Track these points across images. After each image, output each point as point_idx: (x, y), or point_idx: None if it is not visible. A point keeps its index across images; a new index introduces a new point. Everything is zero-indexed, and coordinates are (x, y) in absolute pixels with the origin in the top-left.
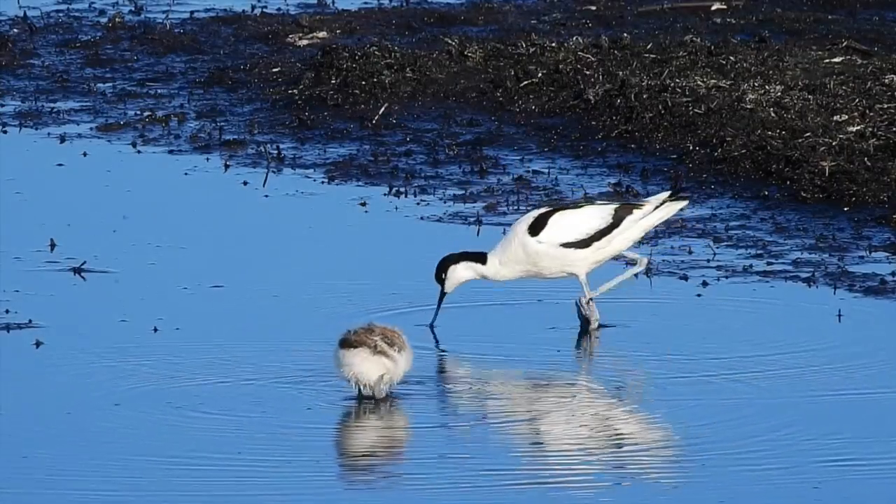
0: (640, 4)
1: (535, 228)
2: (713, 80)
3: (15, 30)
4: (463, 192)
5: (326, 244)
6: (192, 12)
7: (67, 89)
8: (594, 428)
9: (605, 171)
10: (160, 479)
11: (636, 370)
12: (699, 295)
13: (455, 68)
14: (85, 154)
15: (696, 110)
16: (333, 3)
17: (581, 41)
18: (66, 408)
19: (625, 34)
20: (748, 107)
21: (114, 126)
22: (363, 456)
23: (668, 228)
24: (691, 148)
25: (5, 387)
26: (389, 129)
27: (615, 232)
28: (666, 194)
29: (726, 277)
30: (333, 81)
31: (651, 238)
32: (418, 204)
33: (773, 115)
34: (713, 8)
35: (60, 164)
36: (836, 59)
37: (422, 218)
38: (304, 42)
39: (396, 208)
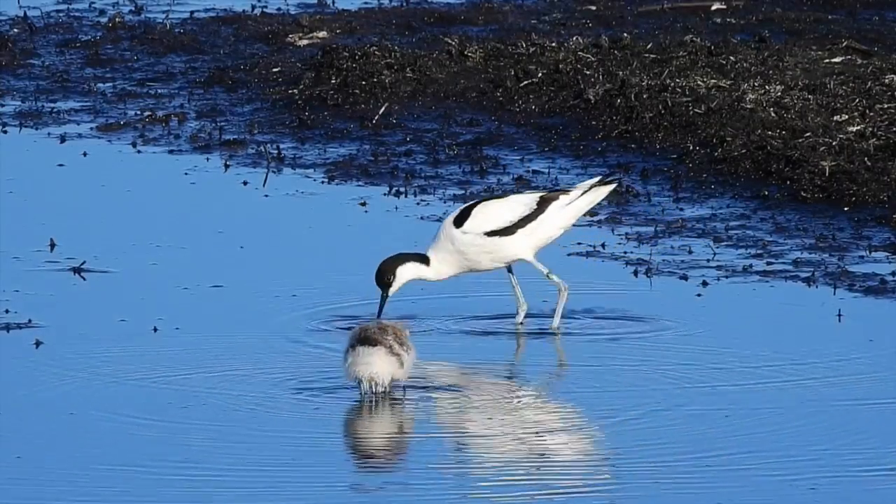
0: (640, 4)
1: (460, 220)
2: (713, 80)
3: (15, 30)
4: (463, 192)
5: (326, 244)
6: (192, 12)
7: (67, 89)
8: (593, 433)
9: (606, 170)
10: (160, 480)
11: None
12: (699, 295)
13: (455, 68)
14: (85, 154)
15: (696, 110)
16: (333, 3)
17: (581, 41)
18: (66, 408)
19: (625, 34)
20: (748, 107)
21: (114, 126)
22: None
23: (668, 228)
24: (691, 148)
25: (5, 387)
26: (389, 129)
27: (541, 218)
28: (595, 180)
29: (726, 277)
30: (333, 81)
31: (651, 238)
32: (418, 204)
33: (773, 114)
34: (713, 8)
35: (61, 165)
36: (836, 59)
37: (422, 218)
38: (304, 42)
39: (396, 208)
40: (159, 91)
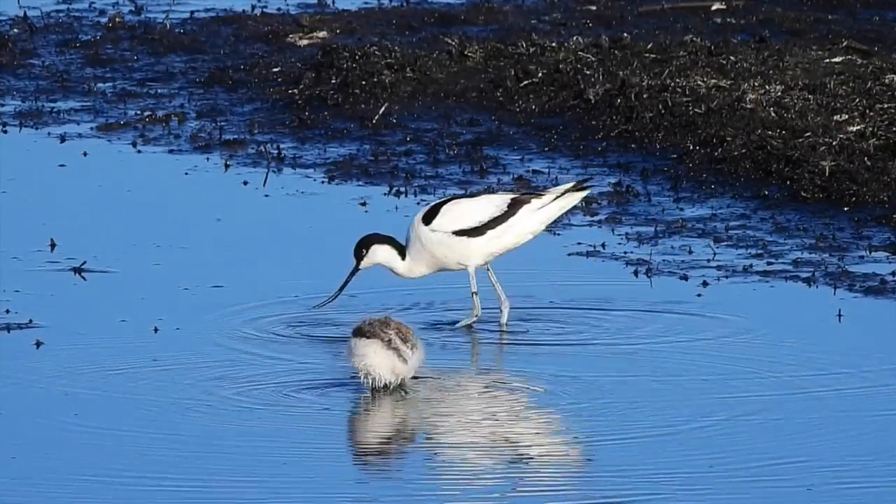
0: (640, 4)
1: (429, 217)
2: (713, 80)
3: (15, 30)
4: (463, 191)
5: (326, 244)
6: (192, 12)
7: (67, 89)
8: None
9: (606, 170)
10: (160, 480)
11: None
12: (699, 295)
13: (455, 68)
14: (85, 154)
15: (696, 110)
16: (333, 3)
17: (581, 41)
18: (67, 409)
19: (625, 34)
20: (748, 107)
21: (114, 126)
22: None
23: (669, 228)
24: (691, 148)
25: (5, 387)
26: (389, 129)
27: (511, 221)
28: (569, 185)
29: (726, 277)
30: (333, 81)
31: (651, 238)
32: (418, 204)
33: (773, 114)
34: (713, 8)
35: (61, 165)
36: (836, 59)
37: None
38: (305, 42)
39: (396, 208)
40: (159, 91)
